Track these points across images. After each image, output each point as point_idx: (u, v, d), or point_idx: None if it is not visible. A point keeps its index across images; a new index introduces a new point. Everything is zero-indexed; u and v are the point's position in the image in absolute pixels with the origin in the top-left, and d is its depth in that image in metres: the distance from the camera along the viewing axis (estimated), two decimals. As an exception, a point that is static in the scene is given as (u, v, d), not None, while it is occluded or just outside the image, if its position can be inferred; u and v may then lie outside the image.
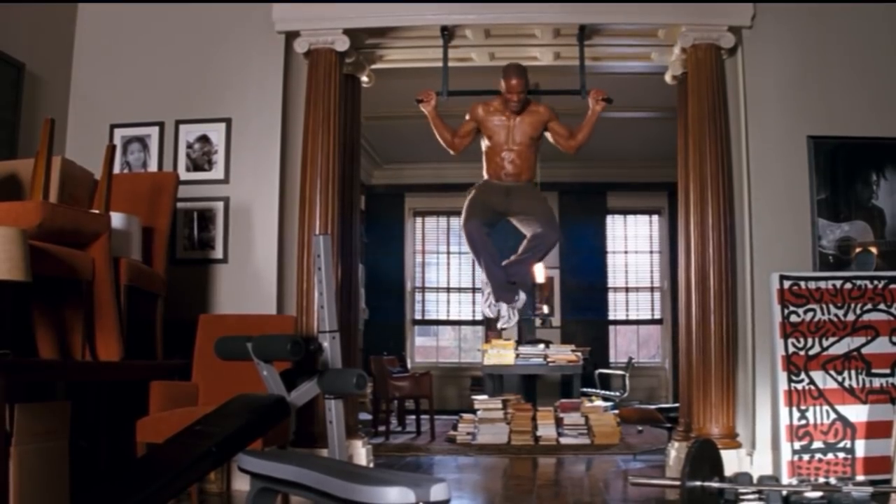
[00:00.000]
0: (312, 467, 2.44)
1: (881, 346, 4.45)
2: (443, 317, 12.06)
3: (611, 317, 11.72)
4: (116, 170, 4.54)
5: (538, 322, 11.19)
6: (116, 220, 4.04)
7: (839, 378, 4.41)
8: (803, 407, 4.37)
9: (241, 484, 4.42)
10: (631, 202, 11.87)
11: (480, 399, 7.72)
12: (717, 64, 4.99)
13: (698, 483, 3.46)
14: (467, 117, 5.20)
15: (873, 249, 4.87)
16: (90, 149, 4.62)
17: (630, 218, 12.04)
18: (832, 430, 4.34)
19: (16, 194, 3.97)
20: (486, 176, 5.16)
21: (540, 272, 10.14)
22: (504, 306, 4.88)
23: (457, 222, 12.01)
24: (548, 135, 5.17)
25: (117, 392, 4.26)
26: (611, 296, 11.77)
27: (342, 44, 5.06)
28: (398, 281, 11.78)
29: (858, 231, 4.90)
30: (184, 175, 4.95)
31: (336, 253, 4.88)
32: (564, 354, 8.47)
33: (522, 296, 4.95)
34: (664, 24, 5.14)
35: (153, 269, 4.42)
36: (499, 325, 5.05)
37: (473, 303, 11.80)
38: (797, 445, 4.33)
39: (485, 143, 5.14)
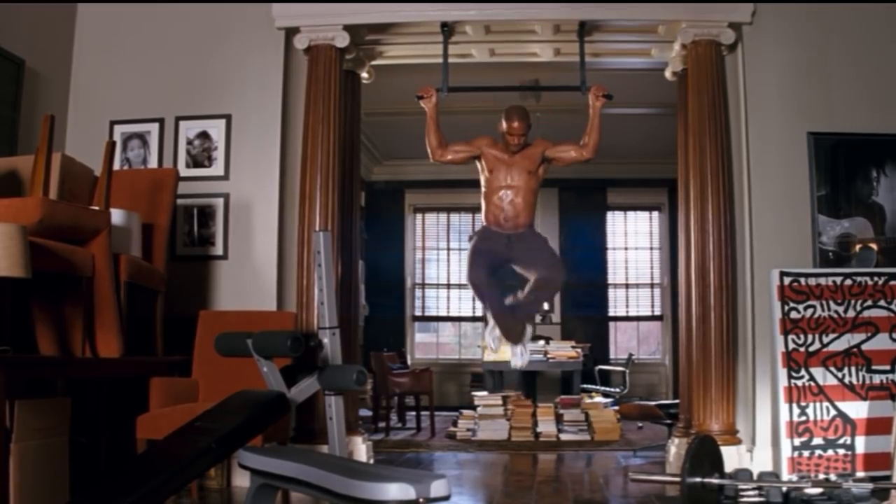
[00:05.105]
0: (312, 463, 2.44)
1: (881, 342, 4.46)
2: (443, 313, 12.06)
3: (611, 313, 11.72)
4: (116, 166, 4.53)
5: (538, 318, 11.21)
6: (116, 216, 4.04)
7: (839, 374, 4.41)
8: (803, 403, 4.38)
9: (242, 480, 4.43)
10: (631, 198, 11.87)
11: (480, 395, 7.72)
12: (718, 60, 4.98)
13: (698, 479, 3.47)
14: (472, 141, 5.05)
15: (873, 246, 4.87)
16: (90, 145, 4.62)
17: (630, 214, 12.03)
18: (832, 426, 4.35)
19: (16, 191, 3.97)
20: (484, 222, 5.05)
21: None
22: (516, 347, 4.90)
23: (457, 218, 12.03)
24: (555, 160, 5.03)
25: (117, 388, 4.26)
26: (611, 292, 11.76)
27: (342, 40, 5.06)
28: (398, 277, 11.78)
29: (858, 227, 4.89)
30: (184, 171, 4.94)
31: (336, 249, 4.88)
32: (564, 351, 8.48)
33: (529, 330, 4.97)
34: (664, 21, 5.14)
35: (153, 266, 4.42)
36: (513, 365, 5.08)
37: (473, 299, 11.76)
38: (797, 442, 4.34)
39: (483, 179, 5.03)
